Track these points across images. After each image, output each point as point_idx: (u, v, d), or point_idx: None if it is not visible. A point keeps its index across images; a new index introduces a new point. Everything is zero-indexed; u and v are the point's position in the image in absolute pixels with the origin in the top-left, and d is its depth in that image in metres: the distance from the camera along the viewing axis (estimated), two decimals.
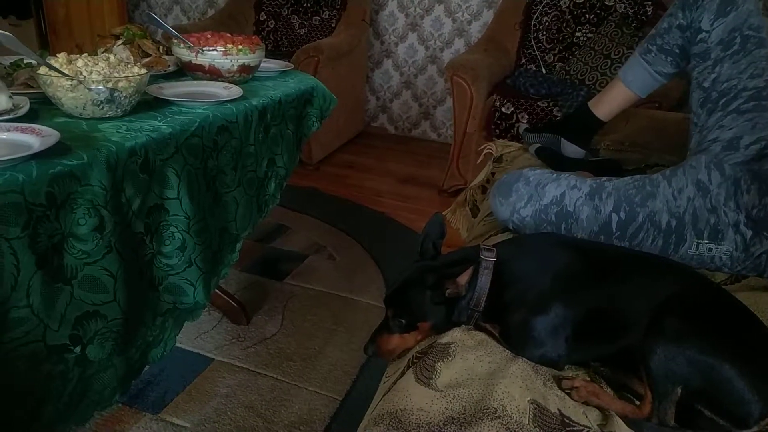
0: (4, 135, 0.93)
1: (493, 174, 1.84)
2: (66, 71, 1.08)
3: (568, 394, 0.80)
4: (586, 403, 0.79)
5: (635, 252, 1.07)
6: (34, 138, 0.92)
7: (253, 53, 1.51)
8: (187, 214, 1.16)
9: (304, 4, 3.72)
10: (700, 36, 1.29)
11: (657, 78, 1.49)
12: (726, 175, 1.17)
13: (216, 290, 1.83)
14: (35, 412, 0.93)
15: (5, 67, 1.29)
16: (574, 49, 3.19)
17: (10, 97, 1.07)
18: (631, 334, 0.81)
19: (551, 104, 2.79)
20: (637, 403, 0.80)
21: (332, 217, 2.71)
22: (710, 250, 1.15)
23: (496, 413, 0.72)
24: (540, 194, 1.17)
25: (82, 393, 1.01)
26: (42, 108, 1.13)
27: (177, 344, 1.69)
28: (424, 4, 3.84)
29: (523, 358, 0.86)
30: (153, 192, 1.09)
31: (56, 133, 0.93)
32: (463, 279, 0.85)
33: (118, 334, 1.04)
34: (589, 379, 0.84)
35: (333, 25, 3.62)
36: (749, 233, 1.14)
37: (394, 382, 0.83)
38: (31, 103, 1.10)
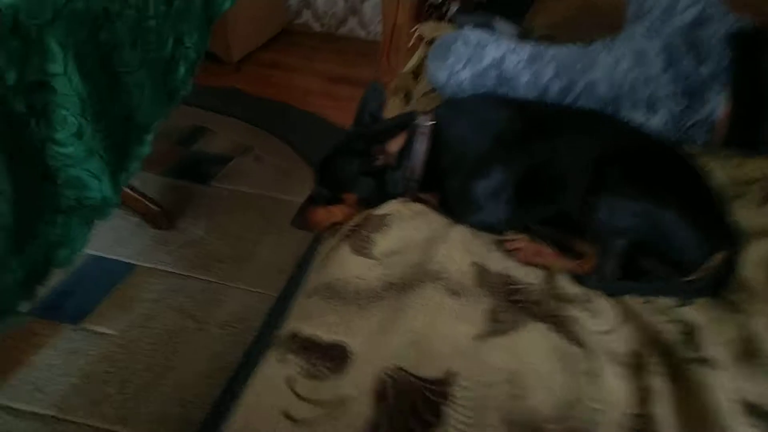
0: None
1: (425, 58, 1.73)
2: None
3: (512, 255, 0.77)
4: (529, 264, 0.76)
5: (575, 109, 1.02)
6: None
7: None
8: (80, 94, 1.00)
9: None
10: None
11: None
12: (663, 44, 1.12)
13: (132, 193, 1.68)
14: None
15: None
16: None
17: None
18: (573, 192, 0.77)
19: None
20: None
21: (258, 118, 2.54)
22: (641, 124, 1.13)
23: (437, 275, 0.68)
24: (480, 55, 1.09)
25: None
26: None
27: (92, 252, 1.57)
28: None
29: (463, 225, 0.81)
30: (31, 64, 0.92)
31: None
32: (394, 146, 0.77)
33: (10, 232, 0.91)
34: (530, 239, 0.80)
35: None
36: (683, 103, 1.11)
37: (328, 255, 0.76)
38: None
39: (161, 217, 1.73)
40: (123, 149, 1.19)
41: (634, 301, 0.70)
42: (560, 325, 0.64)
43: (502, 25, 1.66)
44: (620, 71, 1.12)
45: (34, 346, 1.33)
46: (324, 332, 0.63)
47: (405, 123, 0.82)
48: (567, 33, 1.70)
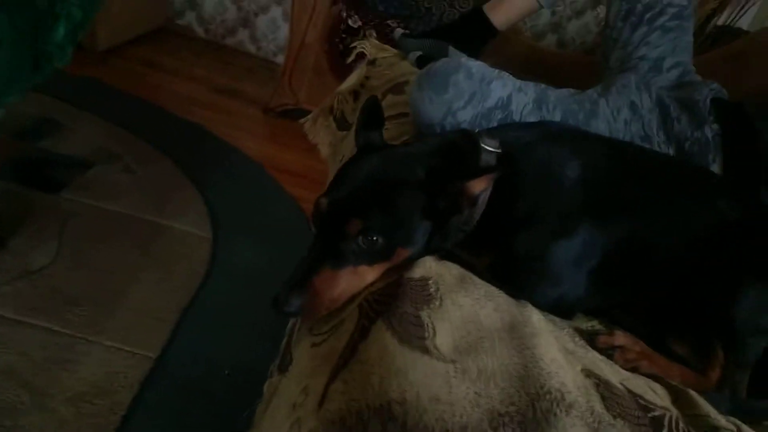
0: None
1: (367, 78, 1.48)
2: None
3: (609, 356, 0.53)
4: (633, 370, 0.53)
5: (677, 158, 0.84)
6: None
7: None
8: None
9: None
10: None
11: None
12: (654, 100, 1.03)
13: None
14: None
15: None
16: None
17: None
18: (683, 269, 0.56)
19: (401, 26, 2.51)
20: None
21: (128, 121, 2.07)
22: None
23: (564, 399, 0.41)
24: (485, 93, 0.87)
25: None
26: None
27: None
28: None
29: (528, 303, 0.55)
30: None
31: None
32: (479, 186, 0.50)
33: None
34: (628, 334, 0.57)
35: None
36: None
37: (353, 347, 0.45)
38: None
39: None
40: None
41: None
42: None
43: (455, 56, 1.48)
44: (620, 124, 1.00)
45: None
46: None
47: (460, 147, 0.55)
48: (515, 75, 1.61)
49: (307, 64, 2.59)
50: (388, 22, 2.51)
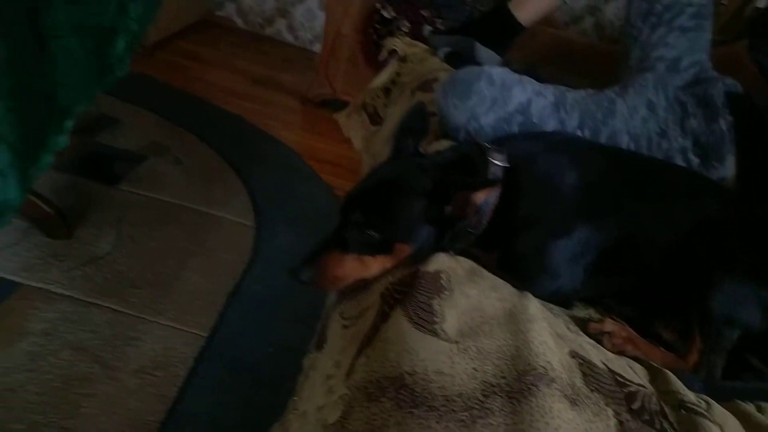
0: None
1: (398, 74, 1.56)
2: None
3: (598, 341, 0.61)
4: (619, 353, 0.61)
5: (667, 162, 0.91)
6: None
7: None
8: None
9: None
10: None
11: None
12: (670, 99, 1.07)
13: None
14: None
15: None
16: None
17: None
18: (670, 264, 0.64)
19: (435, 15, 2.56)
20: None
21: (175, 113, 2.21)
22: None
23: (547, 374, 0.50)
24: (505, 98, 0.94)
25: None
26: None
27: None
28: None
29: (529, 294, 0.64)
30: None
31: None
32: (481, 197, 0.59)
33: None
34: (616, 321, 0.65)
35: None
36: (696, 161, 1.06)
37: (376, 329, 0.55)
38: None
39: (56, 222, 1.37)
40: (38, 137, 0.88)
41: (747, 408, 0.58)
42: None
43: (482, 52, 1.55)
44: (637, 122, 1.04)
45: None
46: None
47: (471, 158, 0.64)
48: (542, 70, 1.65)
49: (343, 55, 2.67)
50: (422, 12, 2.56)
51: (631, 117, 1.04)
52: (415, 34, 2.43)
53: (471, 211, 0.61)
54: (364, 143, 1.56)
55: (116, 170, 1.74)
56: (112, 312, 1.23)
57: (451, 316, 0.56)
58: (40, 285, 1.23)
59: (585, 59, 1.78)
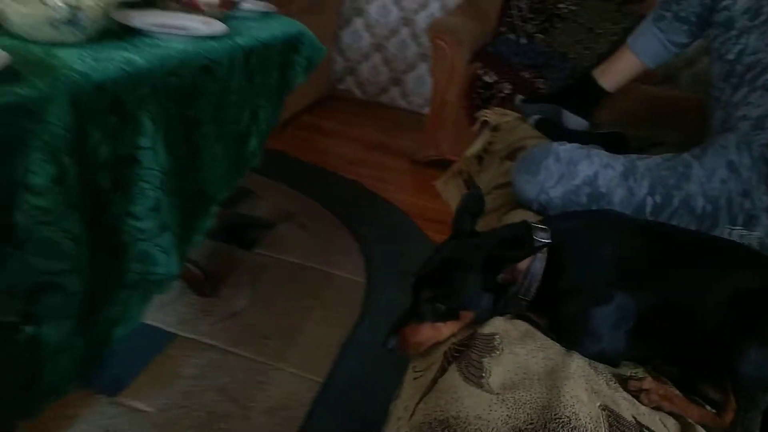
0: None
1: (490, 143, 1.70)
2: None
3: (636, 397, 0.69)
4: (657, 409, 0.68)
5: (706, 235, 0.96)
6: None
7: None
8: (163, 168, 0.97)
9: None
10: (723, 3, 1.19)
11: (669, 48, 1.40)
12: (755, 157, 1.08)
13: None
14: None
15: None
16: (555, 21, 3.08)
17: None
18: (706, 330, 0.70)
19: (535, 75, 2.67)
20: (710, 409, 0.70)
21: (301, 183, 2.52)
22: (742, 236, 1.06)
23: (569, 423, 0.60)
24: (572, 173, 1.05)
25: (32, 382, 0.82)
26: None
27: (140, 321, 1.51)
28: None
29: (577, 354, 0.73)
30: (124, 139, 0.89)
31: (4, 54, 0.71)
32: (524, 265, 0.71)
33: (79, 310, 0.85)
34: (654, 379, 0.72)
35: None
36: None
37: (435, 381, 0.69)
38: None
39: (205, 283, 1.67)
40: (191, 222, 1.15)
41: None
42: None
43: (570, 118, 1.64)
44: (716, 183, 1.07)
45: (68, 418, 1.24)
46: None
47: (520, 236, 0.76)
48: (633, 128, 1.69)
49: (449, 119, 2.87)
50: (523, 73, 2.69)
51: (709, 180, 1.08)
52: (514, 97, 2.56)
53: (518, 278, 0.73)
54: None
55: (251, 236, 2.04)
56: (247, 359, 1.47)
57: (497, 372, 0.68)
58: (191, 336, 1.51)
59: (678, 113, 1.79)
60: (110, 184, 0.89)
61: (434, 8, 3.69)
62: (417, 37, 3.71)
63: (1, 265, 0.72)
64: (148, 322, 1.54)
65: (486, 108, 2.68)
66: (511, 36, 3.18)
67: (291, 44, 1.44)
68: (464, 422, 0.60)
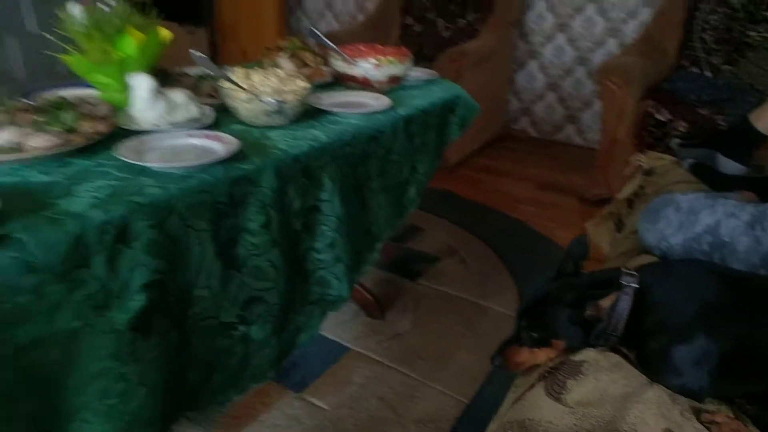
0: (197, 141, 1.10)
1: (642, 187, 1.75)
2: (243, 85, 1.24)
3: (707, 428, 0.77)
4: None
5: None
6: (219, 145, 1.08)
7: (402, 64, 1.60)
8: (338, 215, 1.28)
9: (450, 8, 3.77)
10: None
11: None
12: None
13: (355, 285, 1.95)
14: (207, 379, 1.09)
15: (193, 79, 1.49)
16: (745, 51, 2.89)
17: (199, 106, 1.25)
18: None
19: (714, 112, 2.55)
20: None
21: (466, 221, 2.74)
22: None
23: None
24: (692, 222, 1.11)
25: (244, 367, 1.16)
26: (222, 115, 1.30)
27: (319, 331, 1.85)
28: (575, 3, 3.70)
29: (661, 386, 0.83)
30: (310, 194, 1.21)
31: (236, 141, 1.08)
32: (606, 303, 0.85)
33: (276, 318, 1.18)
34: (732, 415, 0.79)
35: (477, 28, 3.64)
36: None
37: (524, 393, 0.85)
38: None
39: (375, 307, 1.97)
40: (359, 256, 1.45)
41: None
42: None
43: (726, 162, 1.62)
44: None
45: (264, 405, 1.61)
46: None
47: (611, 280, 0.89)
48: None
49: (619, 157, 2.85)
50: (701, 110, 2.59)
51: None
52: (686, 138, 2.48)
53: (602, 314, 0.86)
54: (610, 247, 1.77)
55: (417, 269, 2.31)
56: (404, 375, 1.72)
57: (577, 392, 0.82)
58: (361, 351, 1.81)
59: None
60: (300, 227, 1.21)
61: (611, 46, 3.69)
62: (593, 75, 3.73)
63: (228, 283, 1.06)
64: (329, 336, 1.88)
65: (655, 147, 2.64)
66: (694, 70, 3.06)
67: (448, 106, 1.70)
68: (537, 424, 0.76)
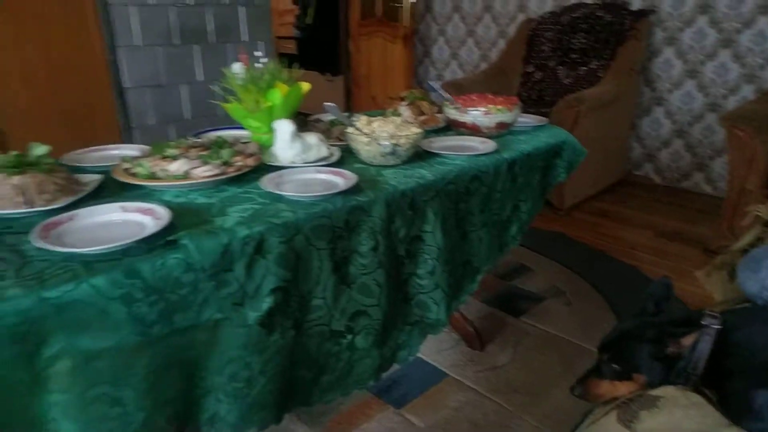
0: (324, 176, 1.31)
1: (760, 239, 1.69)
2: (365, 130, 1.44)
3: None
4: None
5: None
6: (341, 179, 1.28)
7: (510, 112, 1.72)
8: (439, 245, 1.41)
9: (571, 56, 3.82)
10: None
11: None
12: None
13: (457, 314, 2.06)
14: (317, 378, 1.26)
15: (326, 124, 1.74)
16: None
17: (328, 147, 1.47)
18: None
19: None
20: None
21: (575, 264, 2.73)
22: None
23: None
24: None
25: (348, 372, 1.32)
26: (346, 155, 1.51)
27: (419, 355, 1.98)
28: (707, 50, 3.58)
29: (738, 428, 0.86)
30: (415, 225, 1.36)
31: (355, 177, 1.27)
32: (688, 341, 0.89)
33: (378, 331, 1.33)
34: None
35: (599, 75, 3.64)
36: None
37: (598, 419, 0.91)
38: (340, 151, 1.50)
39: (475, 339, 2.06)
40: (458, 285, 1.56)
41: None
42: None
43: None
44: None
45: (366, 415, 1.75)
46: None
47: (692, 320, 0.93)
48: None
49: (747, 209, 2.69)
50: None
51: None
52: None
53: (683, 351, 0.90)
54: (722, 296, 1.72)
55: (521, 306, 2.36)
56: (498, 405, 1.78)
57: (649, 423, 0.87)
58: (459, 377, 1.90)
59: None
60: (404, 253, 1.37)
61: (747, 92, 3.51)
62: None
63: (340, 296, 1.24)
64: (429, 361, 2.00)
65: None
66: None
67: (553, 151, 1.78)
68: None
